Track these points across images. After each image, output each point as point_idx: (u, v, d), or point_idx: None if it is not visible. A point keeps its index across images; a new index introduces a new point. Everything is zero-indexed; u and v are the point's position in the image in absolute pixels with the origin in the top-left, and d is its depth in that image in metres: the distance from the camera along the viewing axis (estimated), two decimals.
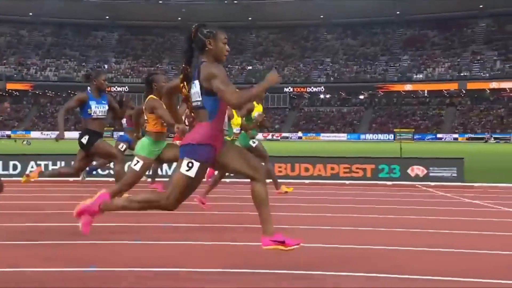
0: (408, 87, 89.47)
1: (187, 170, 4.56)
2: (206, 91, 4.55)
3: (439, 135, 79.96)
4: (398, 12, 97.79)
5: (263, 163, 9.59)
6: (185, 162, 4.56)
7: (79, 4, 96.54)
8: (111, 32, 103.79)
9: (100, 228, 6.53)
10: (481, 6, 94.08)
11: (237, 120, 10.17)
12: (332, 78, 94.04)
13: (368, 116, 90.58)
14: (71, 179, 12.68)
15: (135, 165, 7.11)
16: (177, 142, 10.55)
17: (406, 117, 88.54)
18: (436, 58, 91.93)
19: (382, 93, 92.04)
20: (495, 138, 73.36)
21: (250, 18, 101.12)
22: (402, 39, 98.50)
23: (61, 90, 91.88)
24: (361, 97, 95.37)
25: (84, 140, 8.35)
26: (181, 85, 4.78)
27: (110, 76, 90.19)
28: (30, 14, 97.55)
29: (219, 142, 4.66)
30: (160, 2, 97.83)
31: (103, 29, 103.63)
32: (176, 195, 4.64)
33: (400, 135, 62.83)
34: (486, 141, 72.11)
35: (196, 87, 4.62)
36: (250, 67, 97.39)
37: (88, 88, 8.52)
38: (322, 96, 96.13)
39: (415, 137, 77.52)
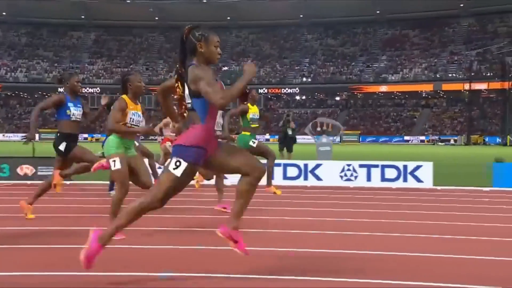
0: (383, 88, 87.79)
1: (174, 169, 4.60)
2: (194, 94, 4.60)
3: (406, 138, 78.22)
4: (378, 11, 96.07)
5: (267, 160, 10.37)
6: (173, 160, 4.61)
7: (56, 4, 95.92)
8: (88, 32, 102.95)
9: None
10: (461, 4, 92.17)
11: None
12: (307, 79, 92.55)
13: (342, 118, 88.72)
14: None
15: (114, 166, 6.99)
16: (167, 144, 11.10)
17: (379, 119, 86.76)
18: (413, 59, 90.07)
19: (361, 95, 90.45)
20: (441, 141, 71.94)
21: (228, 18, 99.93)
22: (382, 39, 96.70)
23: (31, 91, 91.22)
24: (338, 98, 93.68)
25: (62, 147, 8.08)
26: (176, 85, 4.76)
27: (82, 77, 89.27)
28: (4, 13, 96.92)
29: (211, 145, 4.70)
30: (129, 1, 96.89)
31: (80, 29, 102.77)
32: (161, 193, 4.65)
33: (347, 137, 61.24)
34: (434, 143, 70.96)
35: (186, 89, 4.70)
36: (226, 68, 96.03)
37: (62, 90, 8.40)
38: (298, 97, 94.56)
39: (381, 140, 76.15)
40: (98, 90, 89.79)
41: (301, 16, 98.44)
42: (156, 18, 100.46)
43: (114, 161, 7.03)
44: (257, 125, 10.29)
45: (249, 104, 10.16)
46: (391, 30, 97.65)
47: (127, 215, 4.68)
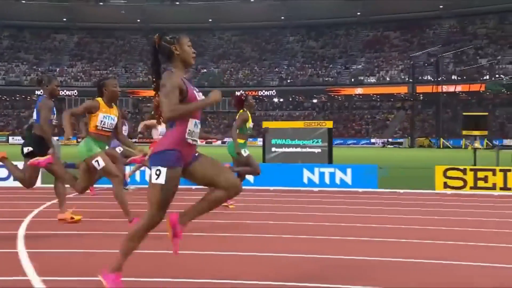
0: (359, 90, 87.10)
1: (157, 178, 4.53)
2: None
3: (373, 140, 77.75)
4: (358, 13, 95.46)
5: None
6: (153, 171, 4.55)
7: (39, 7, 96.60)
8: (72, 35, 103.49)
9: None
10: (441, 6, 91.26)
11: None
12: (284, 82, 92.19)
13: (316, 120, 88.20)
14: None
15: (99, 165, 7.36)
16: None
17: (353, 121, 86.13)
18: (391, 61, 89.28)
19: (340, 97, 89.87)
20: (391, 143, 71.47)
21: (210, 20, 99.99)
22: (363, 41, 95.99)
23: (9, 94, 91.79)
24: (315, 100, 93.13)
25: (26, 150, 8.17)
26: (154, 94, 4.77)
27: (60, 80, 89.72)
28: None
29: (187, 150, 4.61)
30: (101, 4, 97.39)
31: (64, 32, 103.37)
32: (155, 208, 4.58)
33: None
34: (384, 146, 70.52)
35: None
36: (205, 70, 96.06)
37: (41, 92, 8.51)
38: (276, 100, 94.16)
39: (349, 142, 75.82)
40: (75, 93, 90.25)
41: (283, 18, 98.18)
42: (138, 21, 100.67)
43: (97, 161, 7.37)
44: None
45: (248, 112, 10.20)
46: (373, 32, 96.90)
47: (132, 241, 4.66)
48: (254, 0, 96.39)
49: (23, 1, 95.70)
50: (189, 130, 4.62)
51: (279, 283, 4.97)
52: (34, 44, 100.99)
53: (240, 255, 6.27)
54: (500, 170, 13.20)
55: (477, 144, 20.12)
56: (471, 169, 13.43)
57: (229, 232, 7.66)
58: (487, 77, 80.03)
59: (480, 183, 13.20)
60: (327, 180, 14.04)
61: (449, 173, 13.41)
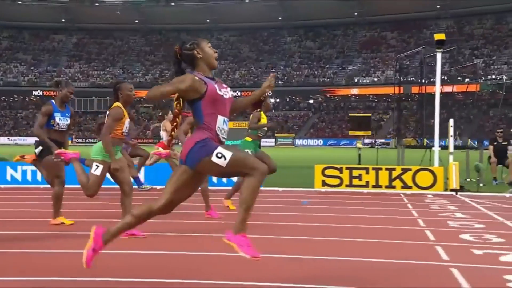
0: (354, 91, 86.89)
1: (225, 159, 4.48)
2: (186, 100, 4.69)
3: (367, 141, 77.33)
4: (356, 13, 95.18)
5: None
6: (214, 159, 4.49)
7: (38, 8, 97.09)
8: (70, 35, 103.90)
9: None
10: (438, 6, 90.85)
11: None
12: (281, 82, 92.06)
13: (312, 120, 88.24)
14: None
15: (95, 170, 7.29)
16: (160, 149, 11.00)
17: (348, 121, 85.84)
18: (387, 61, 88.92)
19: (337, 97, 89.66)
20: (379, 144, 71.22)
21: (208, 20, 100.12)
22: (360, 41, 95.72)
23: (7, 94, 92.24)
24: (311, 101, 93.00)
25: (38, 150, 8.28)
26: (176, 102, 4.74)
27: (58, 81, 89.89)
28: None
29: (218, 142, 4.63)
30: (97, 4, 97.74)
31: (62, 32, 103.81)
32: (252, 165, 4.52)
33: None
34: (372, 146, 70.19)
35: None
36: None
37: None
38: (272, 100, 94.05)
39: (342, 143, 75.78)
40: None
41: (280, 18, 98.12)
42: (136, 21, 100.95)
43: (98, 166, 7.31)
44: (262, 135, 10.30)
45: (262, 113, 10.25)
46: (371, 32, 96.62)
47: (252, 197, 4.57)
48: (252, 1, 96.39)
49: (19, 2, 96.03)
50: (218, 127, 4.63)
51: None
52: (32, 45, 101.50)
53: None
54: (373, 169, 13.27)
55: (359, 144, 20.25)
56: (346, 168, 13.45)
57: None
58: (482, 77, 79.42)
59: (355, 181, 13.24)
60: None
61: (327, 172, 13.48)
